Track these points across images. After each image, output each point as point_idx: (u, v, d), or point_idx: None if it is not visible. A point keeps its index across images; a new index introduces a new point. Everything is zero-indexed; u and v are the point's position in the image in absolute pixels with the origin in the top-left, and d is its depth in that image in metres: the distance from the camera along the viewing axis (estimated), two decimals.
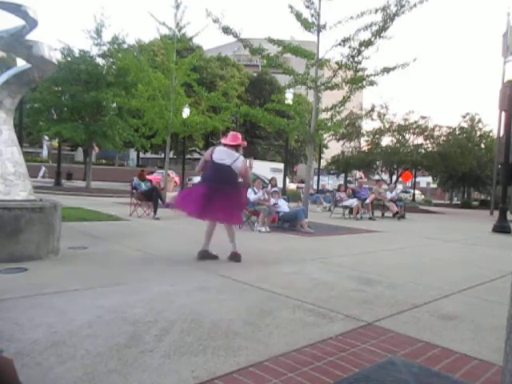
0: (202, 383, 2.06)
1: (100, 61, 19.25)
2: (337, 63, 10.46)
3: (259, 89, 48.44)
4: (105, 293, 3.48)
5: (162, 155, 43.37)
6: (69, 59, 18.48)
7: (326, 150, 31.92)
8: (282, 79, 23.57)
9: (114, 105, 18.80)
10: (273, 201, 9.14)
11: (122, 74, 17.90)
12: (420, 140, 25.11)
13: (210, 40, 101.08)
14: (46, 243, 4.74)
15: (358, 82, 10.44)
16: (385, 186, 17.13)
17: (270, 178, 12.19)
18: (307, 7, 9.98)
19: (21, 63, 5.69)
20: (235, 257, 5.20)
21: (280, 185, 17.54)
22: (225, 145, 5.27)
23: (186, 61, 13.78)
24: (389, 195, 14.18)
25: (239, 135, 5.45)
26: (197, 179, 27.05)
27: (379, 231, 9.61)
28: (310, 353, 2.48)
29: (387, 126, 24.69)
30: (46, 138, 33.67)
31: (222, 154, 5.16)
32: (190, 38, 14.41)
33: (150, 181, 11.40)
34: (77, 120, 18.83)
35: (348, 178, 30.46)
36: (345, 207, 13.16)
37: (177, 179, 29.99)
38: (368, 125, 26.90)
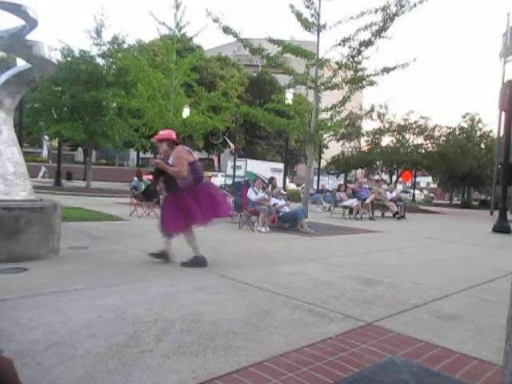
0: (202, 383, 2.06)
1: (100, 61, 19.23)
2: (337, 63, 10.47)
3: (259, 89, 48.46)
4: (105, 293, 3.48)
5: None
6: (69, 59, 18.46)
7: (325, 150, 31.92)
8: (282, 79, 23.56)
9: (114, 105, 18.79)
10: (274, 201, 9.13)
11: (122, 74, 17.89)
12: (420, 140, 25.14)
13: (210, 40, 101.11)
14: (45, 243, 4.74)
15: (357, 82, 10.45)
16: (385, 186, 17.12)
17: (270, 177, 12.19)
18: (307, 7, 9.99)
19: (21, 63, 5.69)
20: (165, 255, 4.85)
21: (280, 184, 17.53)
22: (177, 143, 4.99)
23: (185, 61, 13.80)
24: (389, 195, 14.17)
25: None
26: None
27: (379, 231, 9.61)
28: (309, 353, 2.48)
29: (387, 126, 24.71)
30: (46, 137, 33.66)
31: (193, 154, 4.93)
32: (190, 38, 14.42)
33: (151, 180, 11.39)
34: (77, 120, 18.81)
35: (348, 178, 30.44)
36: (345, 207, 13.16)
37: None
38: (368, 125, 26.96)
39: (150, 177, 14.98)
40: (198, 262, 4.69)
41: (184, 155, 4.72)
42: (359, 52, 10.01)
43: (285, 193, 10.22)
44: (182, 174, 4.62)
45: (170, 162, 4.74)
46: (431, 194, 48.74)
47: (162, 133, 5.10)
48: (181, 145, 4.97)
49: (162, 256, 4.83)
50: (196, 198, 4.64)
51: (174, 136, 5.04)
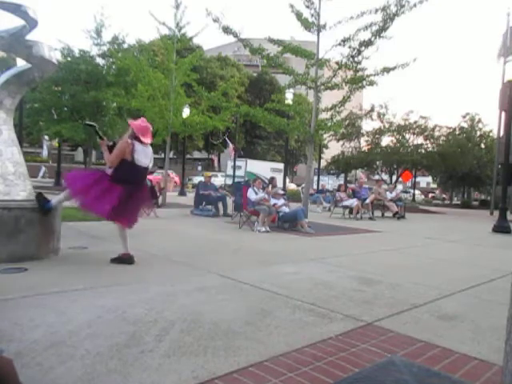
0: (202, 383, 2.07)
1: (100, 61, 19.24)
2: (337, 63, 10.47)
3: (259, 89, 48.49)
4: (105, 293, 3.48)
5: (162, 155, 43.44)
6: (69, 59, 18.48)
7: (325, 150, 31.92)
8: (282, 79, 23.57)
9: (114, 105, 18.79)
10: (274, 201, 9.13)
11: (122, 74, 17.91)
12: (420, 140, 25.14)
13: (210, 40, 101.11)
14: (46, 243, 4.75)
15: (357, 82, 10.44)
16: (385, 186, 17.11)
17: (270, 177, 12.19)
18: (307, 7, 9.99)
19: (21, 63, 5.69)
20: (128, 258, 4.74)
21: (280, 184, 17.54)
22: (142, 142, 4.70)
23: (185, 61, 13.77)
24: (389, 195, 14.16)
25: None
26: (197, 179, 26.95)
27: (379, 231, 9.61)
28: (309, 353, 2.48)
29: (387, 126, 24.70)
30: (46, 137, 33.66)
31: (141, 155, 4.67)
32: (190, 38, 14.39)
33: (150, 181, 11.40)
34: (77, 120, 18.82)
35: (348, 178, 30.44)
36: (345, 207, 13.15)
37: (177, 179, 30.02)
38: (368, 125, 26.95)
39: (150, 177, 15.01)
40: (42, 205, 4.72)
41: (125, 147, 4.58)
42: (359, 52, 10.00)
43: (282, 193, 10.22)
44: (109, 163, 4.71)
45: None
46: (443, 195, 48.18)
47: (140, 124, 4.73)
48: (138, 142, 4.67)
49: (125, 260, 4.70)
50: (96, 183, 4.56)
51: (141, 134, 4.67)
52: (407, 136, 25.00)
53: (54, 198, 4.83)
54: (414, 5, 9.17)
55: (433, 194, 51.00)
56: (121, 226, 4.85)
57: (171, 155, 37.12)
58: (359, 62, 10.25)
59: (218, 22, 10.00)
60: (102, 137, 4.97)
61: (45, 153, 45.61)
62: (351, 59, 10.15)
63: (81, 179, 4.75)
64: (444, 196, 48.00)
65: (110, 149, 4.82)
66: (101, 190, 4.51)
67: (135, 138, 4.69)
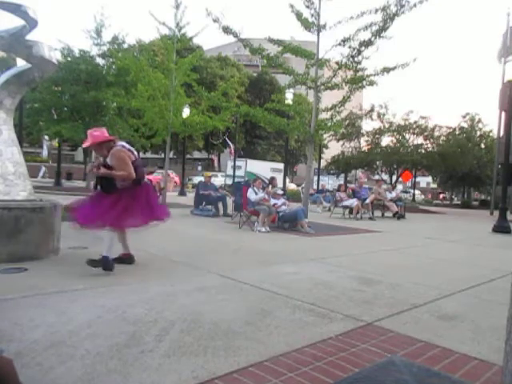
0: (202, 383, 2.07)
1: (100, 61, 19.24)
2: (337, 63, 10.47)
3: (259, 89, 48.50)
4: (105, 293, 3.48)
5: (162, 155, 43.45)
6: (69, 59, 18.48)
7: (325, 150, 31.91)
8: (282, 79, 23.56)
9: (114, 105, 18.79)
10: (273, 201, 9.12)
11: (122, 74, 17.90)
12: (420, 140, 25.13)
13: (210, 40, 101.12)
14: (46, 243, 4.75)
15: (357, 82, 10.44)
16: (384, 186, 17.11)
17: (270, 177, 12.19)
18: (307, 7, 9.99)
19: (21, 63, 5.69)
20: (129, 258, 4.72)
21: (280, 184, 17.53)
22: (114, 141, 4.55)
23: (185, 61, 13.77)
24: (389, 195, 14.16)
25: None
26: (197, 179, 26.95)
27: (379, 231, 9.61)
28: (309, 353, 2.48)
29: (387, 126, 24.70)
30: (46, 137, 33.67)
31: (134, 152, 4.63)
32: (190, 38, 14.39)
33: (150, 181, 11.40)
34: (77, 120, 18.82)
35: (348, 178, 30.42)
36: (345, 207, 13.15)
37: (177, 179, 30.04)
38: (368, 125, 26.95)
39: (150, 177, 14.96)
40: (106, 264, 4.22)
41: (125, 155, 4.38)
42: (359, 52, 10.00)
43: (281, 193, 10.21)
44: (130, 177, 4.32)
45: (109, 163, 4.39)
46: (452, 196, 47.50)
47: (96, 134, 4.42)
48: (118, 142, 4.51)
49: (125, 260, 4.67)
50: (134, 198, 4.39)
51: (107, 134, 4.53)
52: (407, 136, 25.00)
53: (104, 249, 4.27)
54: (414, 5, 9.17)
55: (444, 195, 50.01)
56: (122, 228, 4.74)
57: (171, 155, 37.13)
58: (359, 62, 10.25)
59: (218, 22, 10.00)
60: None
61: (45, 153, 45.58)
62: (351, 59, 10.15)
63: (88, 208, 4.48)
64: (452, 196, 47.54)
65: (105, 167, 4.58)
66: (142, 203, 4.44)
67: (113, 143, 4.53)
